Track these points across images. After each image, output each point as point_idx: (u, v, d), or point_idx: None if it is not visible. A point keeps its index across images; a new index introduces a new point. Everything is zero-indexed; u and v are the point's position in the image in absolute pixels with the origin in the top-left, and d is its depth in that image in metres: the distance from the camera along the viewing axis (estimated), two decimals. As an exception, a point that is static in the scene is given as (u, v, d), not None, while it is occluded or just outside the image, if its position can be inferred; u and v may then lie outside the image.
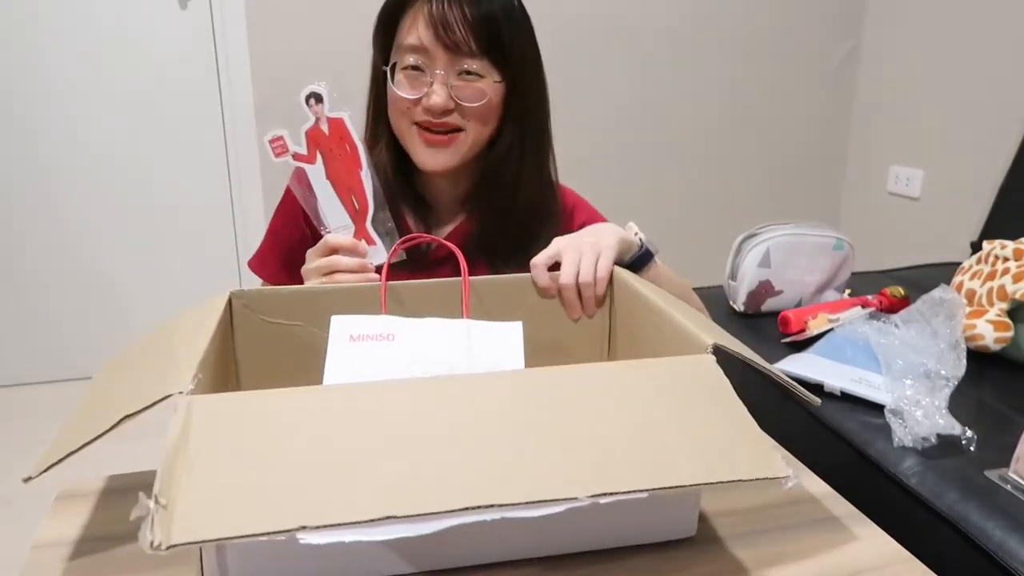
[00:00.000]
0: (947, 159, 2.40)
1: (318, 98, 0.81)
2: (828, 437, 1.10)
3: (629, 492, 0.48)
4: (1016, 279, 1.23)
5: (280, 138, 0.81)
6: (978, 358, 1.22)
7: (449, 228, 0.98)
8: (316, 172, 0.83)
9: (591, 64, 2.44)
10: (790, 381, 0.65)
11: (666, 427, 0.53)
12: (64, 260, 2.21)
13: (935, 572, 0.58)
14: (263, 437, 0.50)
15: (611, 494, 0.47)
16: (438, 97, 0.86)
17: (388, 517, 0.45)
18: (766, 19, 2.57)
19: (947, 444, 0.99)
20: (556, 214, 0.98)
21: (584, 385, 0.57)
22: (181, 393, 0.52)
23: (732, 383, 0.60)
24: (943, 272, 1.50)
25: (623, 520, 0.58)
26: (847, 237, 1.48)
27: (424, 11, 0.85)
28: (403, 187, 0.95)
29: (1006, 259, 1.27)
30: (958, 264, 1.45)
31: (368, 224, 0.84)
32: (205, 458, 0.48)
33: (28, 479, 0.53)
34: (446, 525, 0.47)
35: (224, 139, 2.24)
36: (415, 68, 0.87)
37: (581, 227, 0.90)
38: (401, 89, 0.88)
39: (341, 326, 0.67)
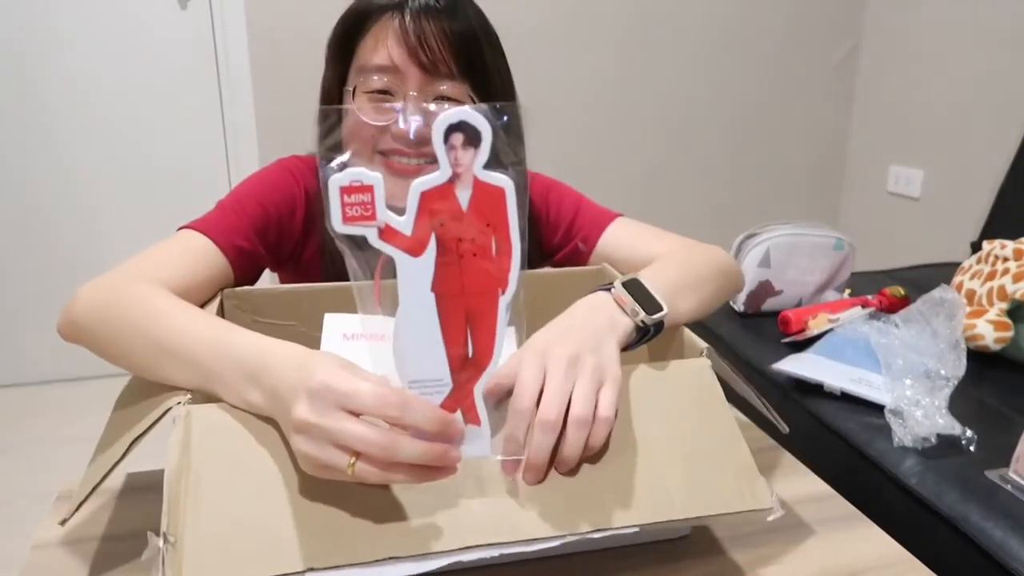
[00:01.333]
0: (947, 159, 2.40)
1: (472, 136, 0.42)
2: (828, 437, 1.10)
3: (620, 528, 0.50)
4: (1016, 279, 1.23)
5: (363, 187, 0.42)
6: (978, 358, 1.22)
7: None
8: (414, 271, 0.45)
9: (590, 64, 2.43)
10: (764, 402, 0.65)
11: (658, 450, 0.55)
12: (64, 262, 2.21)
13: (935, 572, 0.58)
14: (265, 454, 0.49)
15: (603, 529, 0.50)
16: (413, 123, 0.72)
17: (391, 558, 0.46)
18: (766, 19, 2.57)
19: (947, 444, 0.99)
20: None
21: None
22: (179, 404, 0.51)
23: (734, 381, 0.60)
24: (943, 272, 1.50)
25: None
26: (847, 237, 1.48)
27: (393, 25, 0.74)
28: None
29: (1006, 259, 1.27)
30: (958, 264, 1.45)
31: (479, 389, 0.49)
32: (209, 483, 0.47)
33: (64, 521, 0.54)
34: (448, 562, 0.47)
35: (224, 140, 2.24)
36: (381, 92, 0.76)
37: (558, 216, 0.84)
38: (365, 115, 0.76)
39: (334, 324, 0.65)
